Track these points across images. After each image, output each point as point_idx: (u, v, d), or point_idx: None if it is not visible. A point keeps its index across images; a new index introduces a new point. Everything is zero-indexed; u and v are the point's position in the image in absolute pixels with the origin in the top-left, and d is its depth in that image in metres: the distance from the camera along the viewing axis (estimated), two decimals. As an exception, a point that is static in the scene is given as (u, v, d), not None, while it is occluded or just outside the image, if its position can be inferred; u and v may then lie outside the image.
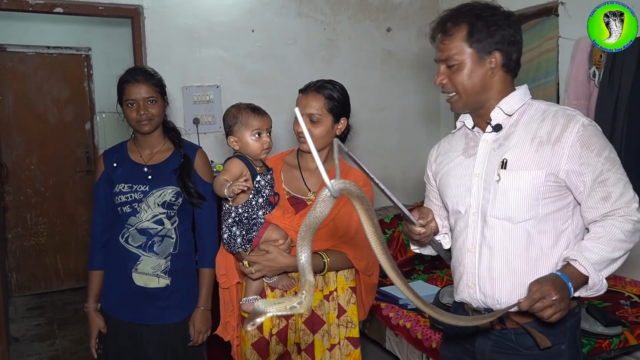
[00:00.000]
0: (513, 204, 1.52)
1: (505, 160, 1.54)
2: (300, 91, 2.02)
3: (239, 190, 1.83)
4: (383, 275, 3.78)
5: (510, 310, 1.46)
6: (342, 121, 2.01)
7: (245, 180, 1.84)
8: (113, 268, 2.20)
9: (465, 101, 1.59)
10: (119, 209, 2.16)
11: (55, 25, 5.34)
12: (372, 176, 1.31)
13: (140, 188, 2.15)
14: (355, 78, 4.16)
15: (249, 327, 0.98)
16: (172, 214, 2.17)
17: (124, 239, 2.16)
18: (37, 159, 5.44)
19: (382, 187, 1.35)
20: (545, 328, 1.50)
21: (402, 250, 3.97)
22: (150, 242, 2.14)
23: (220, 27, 3.99)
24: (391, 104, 4.63)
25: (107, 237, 2.23)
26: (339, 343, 1.99)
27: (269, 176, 1.97)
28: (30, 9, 3.50)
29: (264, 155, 1.99)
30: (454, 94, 1.59)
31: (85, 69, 5.62)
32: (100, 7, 3.65)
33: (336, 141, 1.13)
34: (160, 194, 2.15)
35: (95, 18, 4.37)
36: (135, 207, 2.14)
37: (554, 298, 1.34)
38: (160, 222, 2.16)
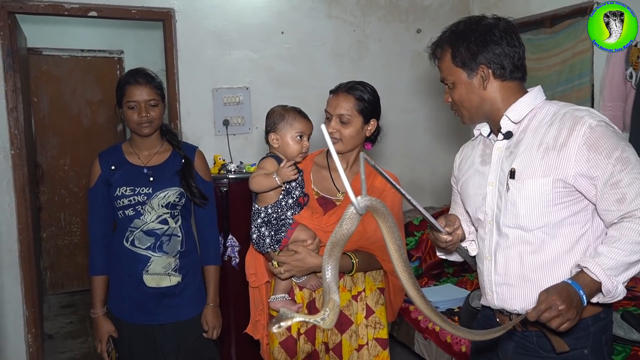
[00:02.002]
0: (523, 213, 1.51)
1: (513, 170, 1.53)
2: (331, 92, 2.03)
3: (292, 177, 1.88)
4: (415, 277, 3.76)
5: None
6: (372, 122, 2.00)
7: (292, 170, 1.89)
8: (120, 272, 2.19)
9: (469, 115, 1.63)
10: (119, 212, 2.16)
11: (89, 29, 5.45)
12: (399, 187, 1.30)
13: (143, 190, 2.15)
14: (385, 79, 4.15)
15: (275, 329, 0.99)
16: (175, 214, 2.19)
17: (129, 243, 2.16)
18: (71, 160, 5.56)
19: (409, 197, 1.34)
20: (566, 332, 1.47)
21: (431, 252, 3.94)
22: (158, 242, 2.15)
23: (250, 29, 4.02)
24: (420, 105, 4.60)
25: (107, 241, 2.22)
26: (367, 344, 1.99)
27: (299, 177, 1.98)
28: (66, 12, 3.59)
29: (300, 159, 2.01)
30: (457, 109, 1.65)
31: (118, 72, 5.71)
32: (133, 11, 3.72)
33: (362, 155, 1.11)
34: (165, 196, 2.16)
35: (128, 21, 4.45)
36: (139, 209, 2.14)
37: (560, 308, 1.32)
38: (165, 222, 2.17)
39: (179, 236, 2.19)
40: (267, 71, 4.08)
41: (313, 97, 3.91)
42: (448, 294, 3.48)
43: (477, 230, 1.70)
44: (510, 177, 1.53)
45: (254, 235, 1.96)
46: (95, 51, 5.61)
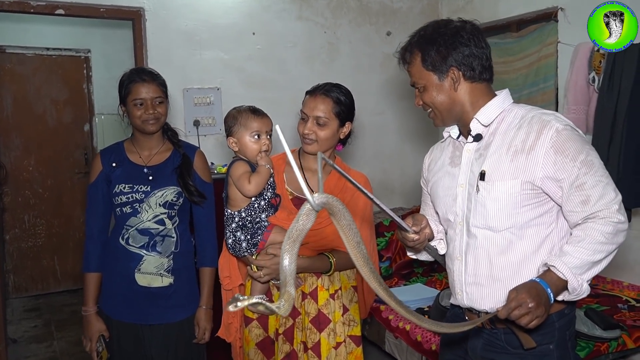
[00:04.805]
0: (492, 214, 1.56)
1: (483, 172, 1.57)
2: (308, 93, 2.03)
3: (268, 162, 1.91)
4: (386, 277, 3.79)
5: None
6: (347, 125, 2.03)
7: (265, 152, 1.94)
8: (113, 270, 2.19)
9: (441, 117, 1.66)
10: (117, 209, 2.16)
11: (55, 27, 5.33)
12: (362, 187, 1.32)
13: (141, 188, 2.15)
14: (355, 81, 4.15)
15: (231, 308, 1.02)
16: (172, 214, 2.18)
17: (124, 240, 2.15)
18: (36, 161, 5.44)
19: (372, 197, 1.38)
20: (533, 329, 1.51)
21: (401, 253, 3.98)
22: (152, 241, 2.15)
23: (221, 29, 4.01)
24: (390, 107, 4.65)
25: (104, 238, 2.23)
26: (344, 341, 2.02)
27: (271, 178, 1.97)
28: (32, 10, 3.51)
29: (264, 160, 1.99)
30: (430, 110, 1.67)
31: (85, 71, 5.62)
32: (101, 9, 3.66)
33: (320, 154, 1.14)
34: (162, 194, 2.16)
35: (95, 20, 4.37)
36: (136, 207, 2.14)
37: (529, 306, 1.36)
38: (161, 222, 2.16)
39: (173, 237, 2.18)
40: (238, 72, 4.07)
41: (284, 98, 3.93)
42: (418, 294, 3.52)
43: (446, 231, 1.74)
44: (480, 179, 1.57)
45: (230, 240, 1.95)
46: (61, 49, 5.50)
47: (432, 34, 1.61)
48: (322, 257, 1.98)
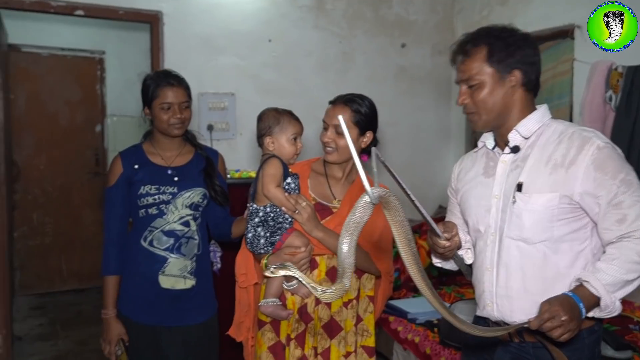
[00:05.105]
0: (527, 225, 1.55)
1: (520, 183, 1.56)
2: (330, 102, 2.07)
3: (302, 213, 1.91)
4: (394, 288, 3.77)
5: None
6: (367, 134, 2.06)
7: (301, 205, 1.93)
8: (134, 272, 2.18)
9: (485, 120, 1.62)
10: (142, 211, 2.15)
11: (70, 27, 5.36)
12: (405, 186, 1.33)
13: (168, 190, 2.16)
14: (369, 92, 4.06)
15: (268, 273, 1.02)
16: (197, 215, 2.20)
17: (147, 242, 2.15)
18: (47, 160, 5.46)
19: (413, 198, 1.37)
20: (563, 343, 1.50)
21: (409, 265, 3.96)
22: (177, 243, 2.15)
23: (237, 36, 4.03)
24: (403, 119, 4.65)
25: (123, 240, 2.21)
26: (355, 351, 2.01)
27: (297, 181, 1.99)
28: (52, 10, 3.55)
29: (293, 161, 2.04)
30: (474, 112, 1.62)
31: (99, 72, 5.65)
32: (120, 12, 3.69)
33: (374, 150, 1.15)
34: (189, 195, 2.18)
35: (111, 22, 4.41)
36: (163, 208, 2.15)
37: (562, 319, 1.36)
38: (186, 224, 2.17)
39: (196, 239, 2.20)
40: (253, 78, 4.09)
41: (298, 106, 3.84)
42: (427, 306, 3.47)
43: (475, 241, 1.73)
44: (517, 190, 1.56)
45: (249, 234, 1.96)
46: (76, 50, 5.54)
47: (501, 32, 1.59)
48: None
